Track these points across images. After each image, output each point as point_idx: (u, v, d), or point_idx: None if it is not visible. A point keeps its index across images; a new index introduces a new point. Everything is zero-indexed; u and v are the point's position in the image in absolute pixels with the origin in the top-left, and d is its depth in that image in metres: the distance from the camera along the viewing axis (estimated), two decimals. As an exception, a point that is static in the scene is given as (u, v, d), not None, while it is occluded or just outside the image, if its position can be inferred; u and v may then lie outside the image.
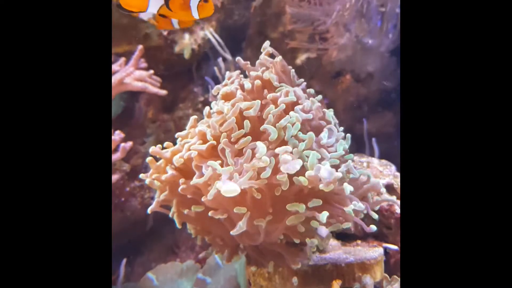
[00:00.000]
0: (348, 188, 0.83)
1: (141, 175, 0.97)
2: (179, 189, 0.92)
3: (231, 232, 0.84)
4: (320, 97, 1.06)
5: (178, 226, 0.96)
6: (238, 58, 1.07)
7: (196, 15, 0.98)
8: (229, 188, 0.79)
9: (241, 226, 0.83)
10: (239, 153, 0.89)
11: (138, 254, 1.75)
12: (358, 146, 1.78)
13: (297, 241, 0.89)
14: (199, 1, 0.97)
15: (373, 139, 1.64)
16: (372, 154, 1.65)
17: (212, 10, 0.99)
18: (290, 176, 0.82)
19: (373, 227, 0.87)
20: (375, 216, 0.89)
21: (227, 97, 0.98)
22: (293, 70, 1.08)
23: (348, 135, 0.99)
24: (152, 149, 0.95)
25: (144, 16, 1.34)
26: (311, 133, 0.86)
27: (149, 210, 0.97)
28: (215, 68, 1.83)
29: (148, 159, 0.96)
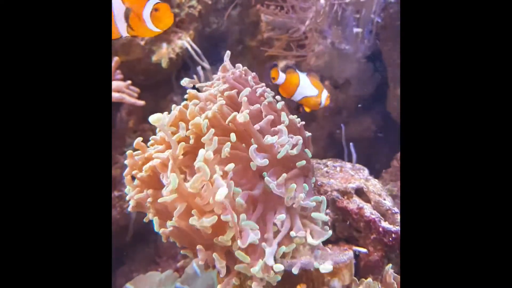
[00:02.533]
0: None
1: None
2: (147, 203, 0.94)
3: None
4: (270, 98, 1.04)
5: (162, 237, 0.97)
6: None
7: (152, 27, 0.91)
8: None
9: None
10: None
11: (119, 264, 1.74)
12: (337, 151, 1.80)
13: None
14: (151, 11, 0.90)
15: (351, 144, 1.65)
16: (350, 159, 1.66)
17: (170, 19, 0.91)
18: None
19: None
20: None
21: (190, 98, 1.01)
22: (250, 75, 1.09)
23: (300, 140, 0.96)
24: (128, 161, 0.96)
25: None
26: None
27: (129, 209, 0.98)
28: (195, 77, 1.84)
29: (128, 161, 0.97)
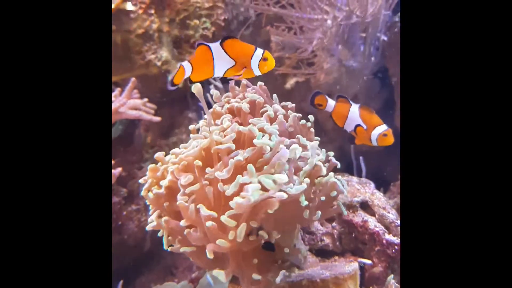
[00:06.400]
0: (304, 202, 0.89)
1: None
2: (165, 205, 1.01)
3: None
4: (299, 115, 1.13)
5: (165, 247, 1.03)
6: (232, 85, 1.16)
7: (258, 73, 1.01)
8: None
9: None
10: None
11: (136, 276, 1.81)
12: (347, 165, 1.84)
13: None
14: (259, 60, 0.99)
15: (360, 158, 1.70)
16: (359, 172, 1.70)
17: (273, 65, 1.01)
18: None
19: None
20: None
21: (216, 115, 1.09)
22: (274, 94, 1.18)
23: (323, 150, 1.04)
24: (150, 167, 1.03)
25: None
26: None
27: (147, 228, 1.05)
28: (208, 95, 1.92)
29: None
